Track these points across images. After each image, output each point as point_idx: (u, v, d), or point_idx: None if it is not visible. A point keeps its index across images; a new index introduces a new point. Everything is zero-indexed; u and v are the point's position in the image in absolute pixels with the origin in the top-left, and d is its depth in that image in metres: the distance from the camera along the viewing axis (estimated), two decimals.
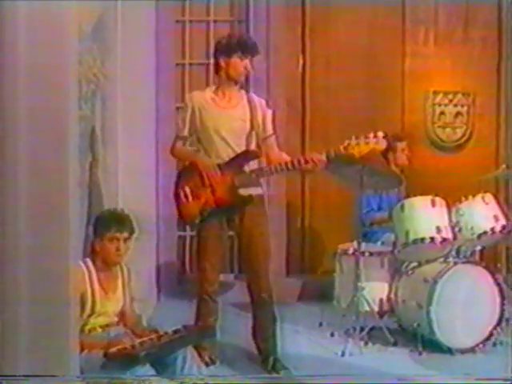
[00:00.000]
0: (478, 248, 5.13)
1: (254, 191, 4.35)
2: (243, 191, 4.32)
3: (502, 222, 4.98)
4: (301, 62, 6.21)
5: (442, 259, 4.96)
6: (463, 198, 4.99)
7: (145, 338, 3.43)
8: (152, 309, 5.42)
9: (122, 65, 4.90)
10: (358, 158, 4.02)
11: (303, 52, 6.18)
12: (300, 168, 4.21)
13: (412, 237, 4.86)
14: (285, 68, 6.06)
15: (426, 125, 6.35)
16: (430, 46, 6.28)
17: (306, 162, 4.15)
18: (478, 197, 5.03)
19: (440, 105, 6.33)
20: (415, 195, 5.03)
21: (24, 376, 2.82)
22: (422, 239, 4.84)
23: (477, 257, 5.17)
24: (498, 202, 5.09)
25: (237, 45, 4.27)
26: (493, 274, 4.88)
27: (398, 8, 6.19)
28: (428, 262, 4.99)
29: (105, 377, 2.63)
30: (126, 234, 3.68)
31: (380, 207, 5.57)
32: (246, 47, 4.28)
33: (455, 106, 6.36)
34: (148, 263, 5.54)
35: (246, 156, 4.28)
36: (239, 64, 4.26)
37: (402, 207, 4.97)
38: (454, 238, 4.90)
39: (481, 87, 6.31)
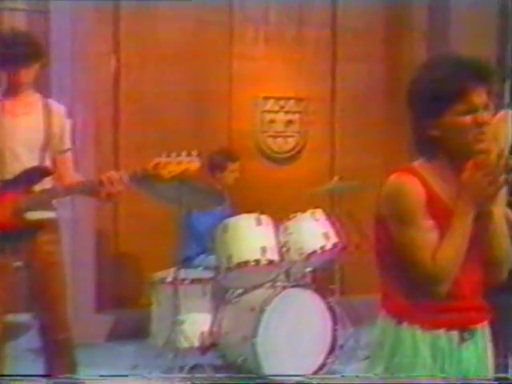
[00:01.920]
0: (309, 269, 5.09)
1: (44, 215, 4.06)
2: (31, 215, 4.06)
3: (334, 239, 4.98)
4: (113, 63, 5.93)
5: (269, 284, 4.90)
6: (292, 215, 4.98)
7: None
8: None
9: None
10: (168, 178, 3.88)
11: (116, 52, 5.90)
12: (94, 189, 3.95)
13: (236, 260, 4.78)
14: (94, 70, 5.71)
15: (255, 134, 6.31)
16: (260, 46, 6.24)
17: (101, 182, 3.92)
18: (308, 213, 5.02)
19: (270, 112, 6.32)
20: (241, 213, 4.98)
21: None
22: (246, 262, 4.78)
23: (308, 279, 5.11)
24: (330, 218, 5.10)
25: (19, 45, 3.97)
26: (324, 298, 4.87)
27: (225, 4, 6.08)
28: (255, 287, 4.90)
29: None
30: None
31: (204, 227, 5.34)
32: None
33: (286, 113, 6.36)
34: None
35: (35, 173, 3.98)
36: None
37: (225, 228, 4.88)
38: (282, 259, 4.86)
39: (314, 92, 6.33)
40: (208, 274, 5.04)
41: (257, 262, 4.77)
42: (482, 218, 2.21)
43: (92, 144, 5.51)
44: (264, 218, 4.89)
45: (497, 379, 2.39)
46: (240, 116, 6.22)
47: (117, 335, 5.75)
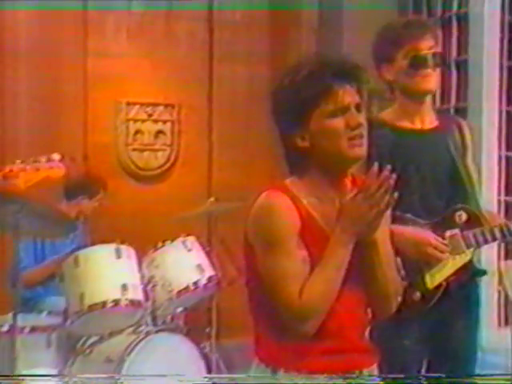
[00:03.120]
0: (180, 309, 4.90)
1: None
2: None
3: (209, 273, 4.85)
4: None
5: (131, 329, 4.60)
6: (159, 244, 4.76)
7: None
8: None
9: None
10: (24, 189, 3.70)
11: None
12: None
13: (89, 301, 4.40)
14: None
15: (117, 147, 6.06)
16: (122, 42, 5.97)
17: None
18: (178, 241, 4.84)
19: (135, 120, 6.10)
20: (97, 243, 4.68)
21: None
22: (102, 303, 4.41)
23: (179, 321, 4.94)
24: (204, 247, 4.97)
25: None
26: (198, 343, 4.70)
27: None
28: (113, 334, 4.62)
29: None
30: None
31: (41, 260, 5.04)
32: None
33: (155, 122, 6.16)
34: None
35: None
36: None
37: (76, 261, 4.52)
38: (147, 298, 4.58)
39: (187, 97, 6.16)
40: (54, 320, 4.67)
41: (116, 302, 4.46)
42: (364, 247, 2.18)
43: None
44: (125, 248, 4.60)
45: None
46: (98, 125, 5.97)
47: None
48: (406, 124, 3.01)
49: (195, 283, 4.75)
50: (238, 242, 4.92)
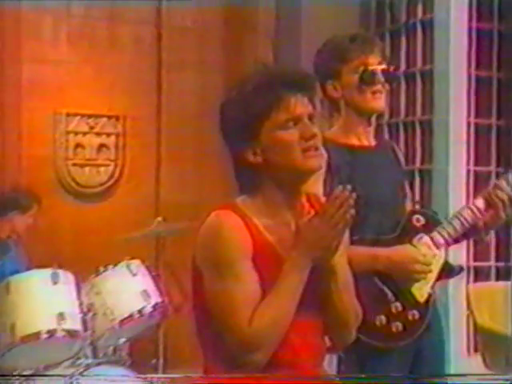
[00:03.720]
0: (123, 340, 4.71)
1: None
2: None
3: (155, 299, 4.70)
4: None
5: (69, 362, 4.44)
6: (101, 269, 4.64)
7: None
8: None
9: None
10: None
11: None
12: None
13: (20, 332, 4.28)
14: None
15: (55, 161, 5.96)
16: (61, 47, 5.89)
17: None
18: (122, 265, 4.71)
19: (76, 133, 6.00)
20: (32, 267, 4.65)
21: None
22: (36, 334, 4.29)
23: (122, 353, 4.79)
24: (150, 271, 4.84)
25: None
26: (143, 377, 4.54)
27: None
28: (48, 368, 4.38)
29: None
30: None
31: None
32: None
33: (98, 134, 6.06)
34: None
35: None
36: None
37: (7, 287, 4.38)
38: (86, 328, 4.42)
39: (134, 107, 6.07)
40: None
41: (51, 333, 4.33)
42: (321, 272, 2.16)
43: None
44: (63, 273, 4.49)
45: None
46: (35, 137, 5.85)
47: None
48: (353, 141, 2.98)
49: (140, 311, 4.63)
50: (187, 266, 5.27)
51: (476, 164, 5.30)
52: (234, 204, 2.20)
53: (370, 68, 2.93)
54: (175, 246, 5.18)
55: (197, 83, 6.22)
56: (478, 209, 2.98)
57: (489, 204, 2.97)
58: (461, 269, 3.13)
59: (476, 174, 5.30)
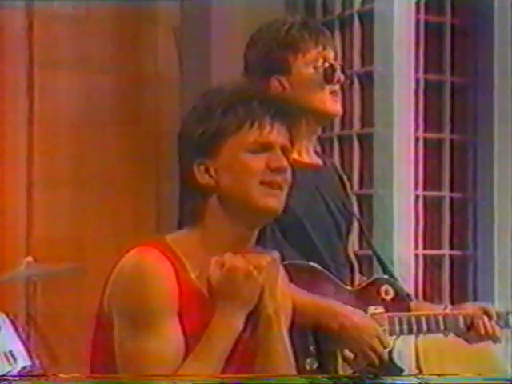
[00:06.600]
0: None
1: None
2: None
3: (23, 362, 4.55)
4: None
5: None
6: None
7: None
8: None
9: None
10: None
11: None
12: None
13: None
14: None
15: None
16: None
17: None
18: None
19: None
20: None
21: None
22: None
23: None
24: (17, 328, 4.65)
25: None
26: None
27: None
28: None
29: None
30: None
31: None
32: None
33: None
34: None
35: None
36: None
37: None
38: None
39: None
40: None
41: None
42: (256, 322, 2.15)
43: None
44: None
45: None
46: None
47: None
48: (294, 155, 2.65)
49: (3, 376, 4.27)
50: (65, 319, 4.96)
51: (425, 188, 5.01)
52: (162, 240, 2.14)
53: (331, 62, 2.73)
54: (51, 292, 4.98)
55: (78, 84, 5.84)
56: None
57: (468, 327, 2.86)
58: (400, 371, 2.93)
59: (426, 199, 5.04)
